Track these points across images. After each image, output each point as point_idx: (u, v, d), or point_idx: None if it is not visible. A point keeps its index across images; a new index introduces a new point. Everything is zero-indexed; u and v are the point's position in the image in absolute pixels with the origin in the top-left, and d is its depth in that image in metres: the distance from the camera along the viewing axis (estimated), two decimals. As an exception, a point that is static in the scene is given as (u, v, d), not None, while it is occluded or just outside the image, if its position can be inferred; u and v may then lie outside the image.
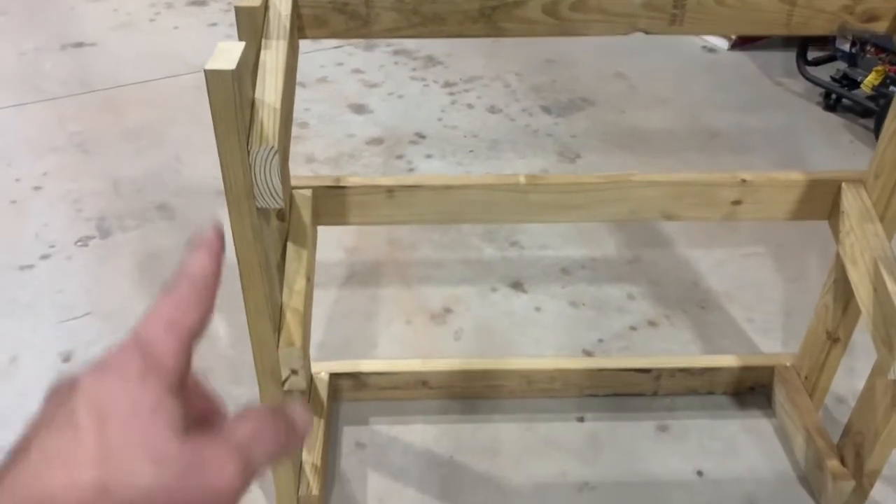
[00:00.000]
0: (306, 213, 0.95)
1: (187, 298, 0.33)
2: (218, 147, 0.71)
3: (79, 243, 1.51)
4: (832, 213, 1.01)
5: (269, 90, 0.73)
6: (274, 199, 0.74)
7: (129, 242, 1.52)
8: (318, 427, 1.09)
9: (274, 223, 0.90)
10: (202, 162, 1.69)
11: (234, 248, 0.78)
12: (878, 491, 1.07)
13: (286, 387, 0.89)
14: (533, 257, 1.51)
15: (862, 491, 1.03)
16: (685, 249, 1.52)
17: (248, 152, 0.71)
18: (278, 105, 0.72)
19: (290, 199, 0.96)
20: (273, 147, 0.71)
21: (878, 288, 0.91)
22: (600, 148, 1.82)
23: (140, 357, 0.30)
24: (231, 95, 0.67)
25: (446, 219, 1.00)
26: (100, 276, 1.44)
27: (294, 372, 0.88)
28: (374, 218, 1.00)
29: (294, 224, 0.94)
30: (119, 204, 1.62)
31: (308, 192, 0.97)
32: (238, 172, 0.72)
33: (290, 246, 0.93)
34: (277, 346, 0.86)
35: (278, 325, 0.87)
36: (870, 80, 1.83)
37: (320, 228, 1.54)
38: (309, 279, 0.92)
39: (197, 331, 0.33)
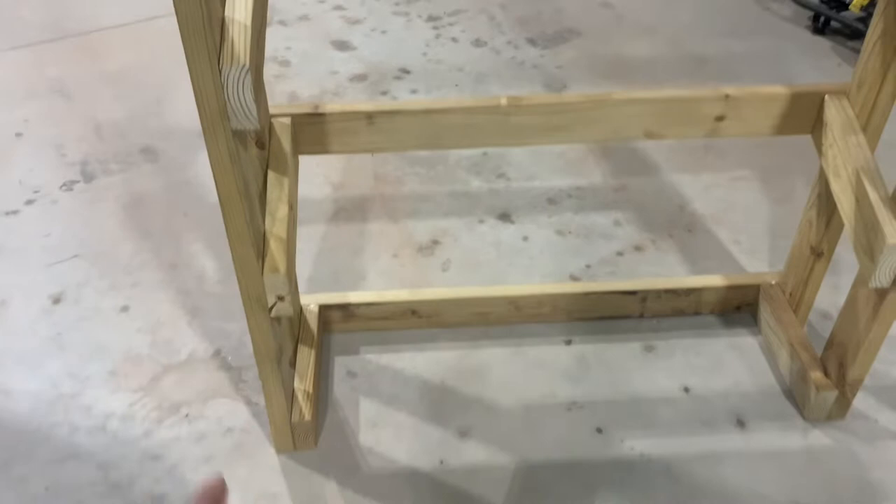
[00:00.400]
0: (286, 142, 0.94)
1: None
2: (189, 68, 0.70)
3: (63, 188, 1.50)
4: (815, 126, 1.00)
5: (238, 7, 0.72)
6: (248, 119, 0.73)
7: (114, 186, 1.51)
8: (309, 357, 1.10)
9: (253, 151, 0.89)
10: (184, 104, 1.67)
11: (212, 174, 0.78)
12: (860, 400, 1.09)
13: (273, 313, 0.90)
14: (520, 188, 1.50)
15: (845, 400, 1.06)
16: (672, 175, 1.52)
17: (220, 72, 0.70)
18: (249, 22, 0.71)
19: (270, 128, 0.95)
20: (245, 65, 0.70)
21: (860, 198, 0.91)
22: (587, 78, 1.80)
23: None
24: (199, 12, 0.66)
25: (428, 144, 1.00)
26: (86, 219, 1.43)
27: (280, 298, 0.89)
28: (355, 146, 0.99)
29: (274, 152, 0.94)
30: (102, 148, 1.61)
31: (287, 121, 0.96)
32: (210, 93, 0.71)
33: (271, 174, 0.92)
34: (262, 273, 0.87)
35: (262, 253, 0.87)
36: (858, 1, 1.80)
37: (307, 166, 1.54)
38: (291, 207, 0.92)
39: None
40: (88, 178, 1.53)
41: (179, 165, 1.55)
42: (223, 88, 0.71)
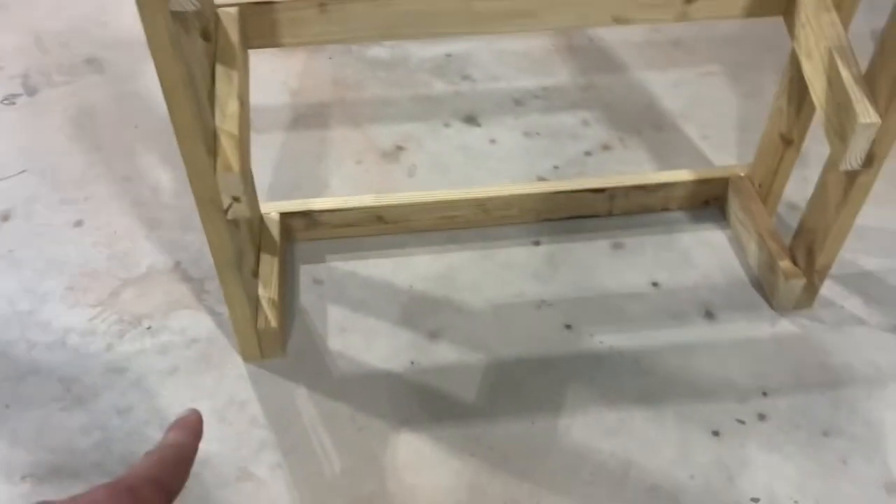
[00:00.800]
0: (233, 33, 0.89)
1: (171, 464, 0.39)
2: (118, -58, 0.64)
3: (5, 102, 1.42)
4: (788, 6, 0.97)
5: None
6: (188, -1, 0.68)
7: (59, 98, 1.44)
8: (272, 265, 1.07)
9: (199, 43, 0.84)
10: (129, 12, 1.57)
11: (154, 63, 0.73)
12: (827, 288, 1.10)
13: (229, 215, 0.86)
14: (485, 90, 1.46)
15: (812, 288, 1.06)
16: (639, 72, 1.48)
17: (153, -55, 0.64)
18: None
19: (216, 19, 0.89)
20: (179, -64, 0.64)
21: (832, 78, 0.89)
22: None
23: (131, 500, 0.35)
24: None
25: (385, 34, 0.95)
26: (31, 133, 1.37)
27: (236, 199, 0.85)
28: (307, 37, 0.94)
29: (221, 45, 0.88)
30: (44, 60, 1.52)
31: (234, 10, 0.90)
32: (144, -31, 0.66)
33: (219, 68, 0.87)
34: (215, 173, 0.83)
35: (213, 151, 0.83)
36: None
37: (262, 72, 1.47)
38: (243, 103, 0.87)
39: (175, 493, 0.38)
40: (31, 91, 1.45)
41: (127, 76, 1.48)
42: (157, -35, 0.66)
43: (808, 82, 0.94)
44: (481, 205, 1.19)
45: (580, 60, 1.51)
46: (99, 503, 0.34)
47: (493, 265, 1.15)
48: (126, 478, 0.37)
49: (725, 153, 1.32)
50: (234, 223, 0.92)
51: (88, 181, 1.28)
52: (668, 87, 1.45)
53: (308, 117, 1.40)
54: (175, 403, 0.99)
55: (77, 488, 0.91)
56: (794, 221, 1.17)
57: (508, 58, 1.52)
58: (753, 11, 0.98)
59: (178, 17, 0.72)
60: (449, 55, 1.52)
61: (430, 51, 1.53)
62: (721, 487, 0.91)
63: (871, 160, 0.89)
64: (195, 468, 0.90)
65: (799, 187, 1.25)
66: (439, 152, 1.34)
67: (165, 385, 1.01)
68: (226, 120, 0.84)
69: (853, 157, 0.88)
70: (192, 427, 0.42)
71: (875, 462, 0.93)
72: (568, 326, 1.07)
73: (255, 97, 1.41)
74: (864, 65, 0.88)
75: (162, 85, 0.73)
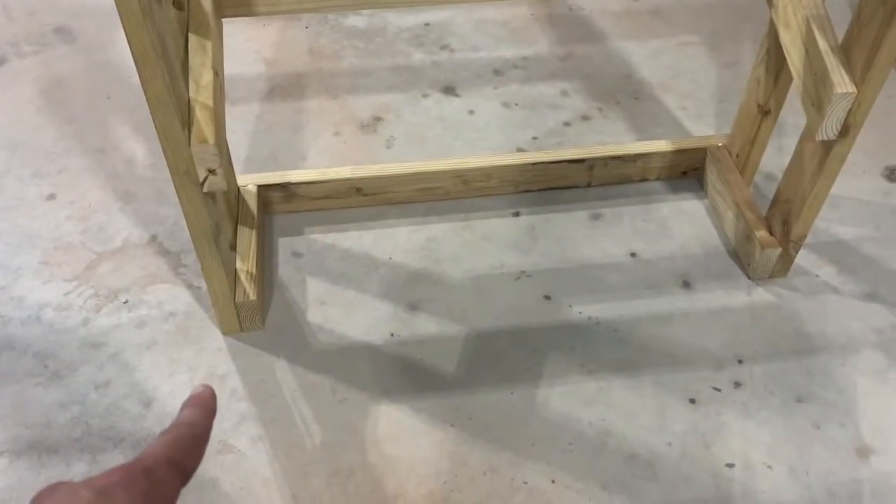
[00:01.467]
0: (206, 2, 0.87)
1: (186, 443, 0.39)
2: None
3: (-29, 73, 1.39)
4: (765, -25, 0.96)
5: None
6: (158, -34, 0.66)
7: (29, 69, 1.41)
8: (250, 238, 1.06)
9: (172, 13, 0.82)
10: (98, -22, 1.54)
11: (125, 32, 0.71)
12: (802, 257, 1.11)
13: (205, 188, 0.85)
14: (464, 60, 1.44)
15: (788, 257, 1.07)
16: (619, 42, 1.47)
17: None
18: None
19: (187, -13, 0.87)
20: None
21: (810, 48, 0.89)
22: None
23: (147, 482, 0.35)
24: None
25: (362, 3, 0.93)
26: (1, 105, 1.34)
27: (212, 171, 0.84)
28: (283, 5, 0.92)
29: (194, 14, 0.86)
30: (12, 29, 1.48)
31: (206, -22, 0.88)
32: (112, -65, 0.64)
33: (192, 38, 0.85)
34: (189, 145, 0.81)
35: (188, 122, 0.82)
36: None
37: (236, 41, 1.45)
38: (217, 73, 0.86)
39: (191, 473, 0.39)
40: (-1, 61, 1.42)
41: (98, 45, 1.44)
42: (126, -70, 0.64)
43: (785, 52, 0.94)
44: (460, 176, 1.18)
45: (559, 30, 1.50)
46: (115, 485, 0.34)
47: (472, 236, 1.15)
48: (141, 459, 0.37)
49: (703, 123, 1.32)
50: (211, 196, 0.91)
51: (60, 154, 1.26)
52: (646, 56, 1.45)
53: (284, 88, 1.38)
54: (153, 377, 0.98)
55: (55, 463, 0.91)
56: (770, 191, 1.18)
57: (487, 27, 1.50)
58: (732, -20, 0.97)
59: (149, -16, 0.70)
60: (427, 24, 1.50)
61: (408, 20, 1.51)
62: (697, 454, 0.92)
63: (846, 130, 0.90)
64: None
65: (775, 157, 1.26)
66: (417, 123, 1.33)
67: (143, 359, 1.00)
68: (200, 91, 0.82)
69: (829, 127, 0.89)
70: (205, 404, 0.42)
71: (847, 427, 0.95)
72: (547, 297, 1.08)
73: (230, 67, 1.39)
74: (841, 33, 0.89)
75: (133, 56, 0.72)
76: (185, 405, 0.41)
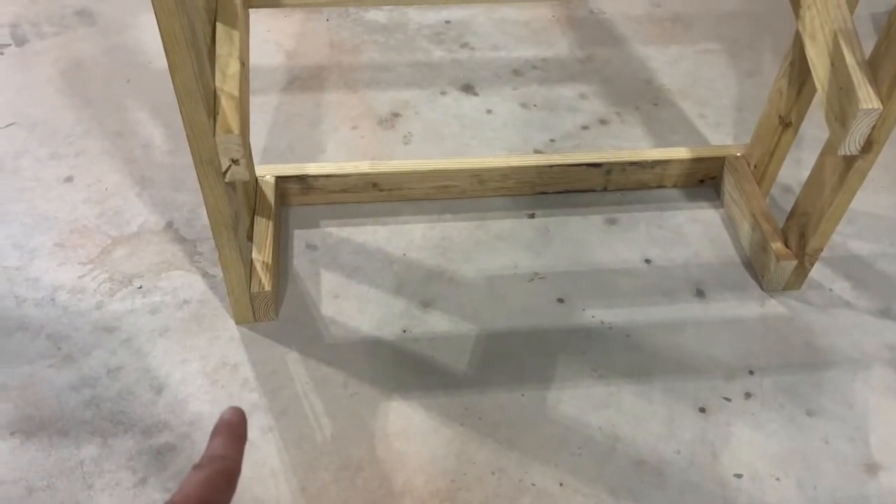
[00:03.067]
0: (235, -9, 0.87)
1: (219, 482, 0.38)
2: None
3: (-8, 52, 1.39)
4: (794, -13, 0.96)
5: None
6: (194, -45, 0.66)
7: (49, 50, 1.41)
8: (266, 228, 1.07)
9: (201, 1, 0.82)
10: (121, -39, 1.54)
11: (156, 19, 0.71)
12: (816, 271, 1.11)
13: (227, 178, 0.85)
14: (484, 59, 1.44)
15: (803, 270, 1.07)
16: (639, 47, 1.47)
17: None
18: None
19: (217, -24, 0.87)
20: None
21: (836, 62, 0.89)
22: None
23: None
24: None
25: (389, -2, 0.93)
26: (20, 85, 1.34)
27: (235, 162, 0.84)
28: (311, -2, 0.92)
29: (223, 4, 0.86)
30: (34, 9, 1.49)
31: (236, -32, 0.88)
32: (150, -78, 0.64)
33: (219, 27, 0.85)
34: (214, 134, 0.81)
35: (213, 112, 0.82)
36: None
37: (257, 32, 1.45)
38: (243, 64, 0.86)
39: None
40: (20, 41, 1.42)
41: (119, 28, 1.45)
42: (163, -82, 0.64)
43: (810, 64, 0.94)
44: (477, 175, 1.18)
45: (580, 32, 1.49)
46: None
47: (487, 236, 1.15)
48: (177, 501, 0.36)
49: (722, 131, 1.32)
50: (232, 185, 0.91)
51: (79, 136, 1.26)
52: (666, 63, 1.44)
53: (304, 80, 1.38)
54: (166, 364, 0.98)
55: (66, 445, 0.92)
56: (787, 203, 1.18)
57: (508, 27, 1.50)
58: (760, -9, 0.97)
59: (182, -28, 0.70)
60: (448, 22, 1.50)
61: (429, 17, 1.51)
62: (705, 463, 0.92)
63: (869, 146, 0.90)
64: (185, 429, 0.90)
65: (794, 169, 1.25)
66: (435, 120, 1.33)
67: (156, 345, 1.00)
68: (226, 80, 0.83)
69: (852, 143, 0.88)
70: (236, 433, 0.41)
71: (856, 443, 0.95)
72: (560, 300, 1.08)
73: (251, 58, 1.39)
74: (864, 48, 0.88)
75: (164, 42, 0.72)
76: (216, 433, 0.40)
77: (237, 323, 1.03)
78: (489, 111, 1.35)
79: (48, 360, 0.99)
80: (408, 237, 1.15)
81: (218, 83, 0.83)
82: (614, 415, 0.96)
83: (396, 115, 1.33)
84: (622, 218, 1.18)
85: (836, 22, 0.89)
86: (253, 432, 0.93)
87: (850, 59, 0.87)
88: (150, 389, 0.96)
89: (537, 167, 1.18)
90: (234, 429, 0.41)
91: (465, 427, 0.94)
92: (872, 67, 0.88)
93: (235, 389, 0.96)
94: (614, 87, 1.39)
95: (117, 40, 1.42)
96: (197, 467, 0.38)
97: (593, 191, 1.22)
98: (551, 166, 1.18)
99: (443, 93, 1.38)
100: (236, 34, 0.85)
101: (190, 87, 0.76)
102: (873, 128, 0.88)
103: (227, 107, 0.82)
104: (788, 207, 1.09)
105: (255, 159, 1.23)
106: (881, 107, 0.85)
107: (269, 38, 1.45)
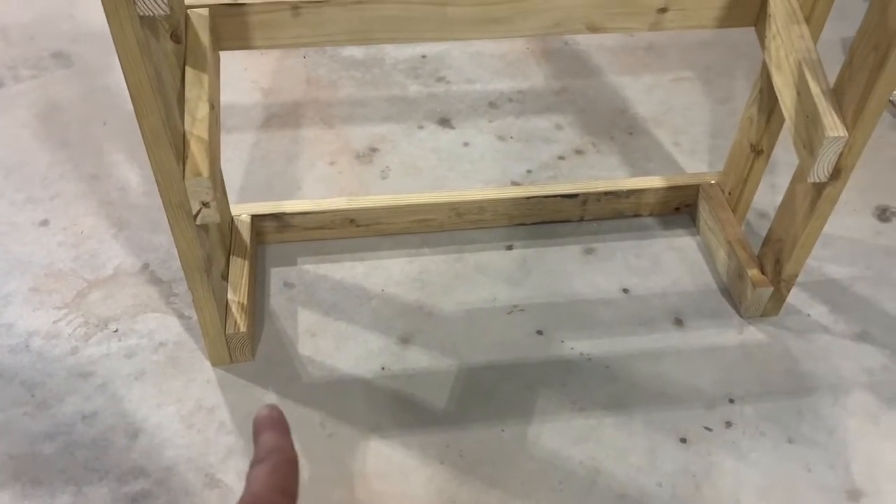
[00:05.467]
0: (204, 35, 0.87)
1: (286, 469, 0.38)
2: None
3: (-32, 96, 1.39)
4: (759, 17, 0.98)
5: None
6: (157, 4, 0.66)
7: (26, 93, 1.41)
8: (242, 268, 1.06)
9: (168, 45, 0.83)
10: (98, 4, 1.55)
11: (121, 67, 0.71)
12: (793, 296, 1.11)
13: (199, 220, 0.85)
14: (460, 92, 1.45)
15: (779, 296, 1.07)
16: (613, 77, 1.49)
17: (120, -52, 0.63)
18: None
19: (186, 20, 0.87)
20: (147, -60, 0.63)
21: (801, 90, 0.90)
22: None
23: None
24: None
25: (359, 38, 0.94)
26: (-5, 129, 1.34)
27: (205, 204, 0.84)
28: (280, 40, 0.93)
29: (192, 47, 0.87)
30: (10, 53, 1.49)
31: (205, 12, 0.88)
32: (111, -27, 0.64)
33: (189, 71, 0.86)
34: (184, 178, 0.81)
35: (183, 155, 0.82)
36: None
37: (234, 70, 1.46)
38: (213, 106, 0.86)
39: (297, 497, 0.39)
40: (-4, 85, 1.42)
41: (95, 71, 1.45)
42: (125, -32, 0.64)
43: (777, 93, 0.95)
44: (454, 208, 1.18)
45: (554, 64, 1.51)
46: None
47: (465, 269, 1.15)
48: (255, 493, 0.37)
49: (696, 159, 1.33)
50: (204, 228, 0.91)
51: (55, 179, 1.26)
52: (640, 91, 1.46)
53: (280, 117, 1.39)
54: (141, 408, 0.97)
55: (39, 495, 0.90)
56: (762, 229, 1.19)
57: (483, 60, 1.51)
58: (725, 22, 0.98)
59: (148, 21, 0.71)
60: (424, 56, 1.51)
61: (405, 52, 1.52)
62: (688, 495, 0.92)
63: (838, 173, 0.91)
64: (161, 475, 0.89)
65: (768, 194, 1.26)
66: (413, 154, 1.33)
67: (132, 390, 0.99)
68: (196, 124, 0.83)
69: (821, 170, 0.89)
70: (281, 425, 0.41)
71: (838, 469, 0.94)
72: (539, 332, 1.07)
73: (227, 95, 1.40)
74: (834, 72, 0.89)
75: (130, 91, 0.72)
76: (261, 429, 0.40)
77: (213, 365, 1.02)
78: (466, 144, 1.35)
79: (22, 408, 0.97)
80: (386, 272, 1.15)
81: (187, 126, 0.83)
82: (595, 448, 0.95)
83: (374, 149, 1.34)
84: (599, 248, 1.19)
85: (800, 52, 0.90)
86: (230, 476, 0.92)
87: (815, 88, 0.88)
88: (125, 435, 0.95)
89: (514, 199, 1.19)
90: (276, 422, 0.41)
91: (445, 465, 0.93)
92: (837, 95, 0.89)
93: (212, 433, 0.95)
94: (589, 117, 1.40)
95: (94, 83, 1.43)
96: (257, 462, 0.39)
97: (570, 221, 1.22)
98: (528, 198, 1.19)
99: (420, 127, 1.38)
100: (206, 77, 0.86)
101: (158, 132, 0.76)
102: (840, 155, 0.88)
103: (197, 150, 0.82)
104: (764, 233, 1.09)
105: (232, 197, 1.23)
106: (847, 134, 0.86)
107: (246, 76, 1.46)
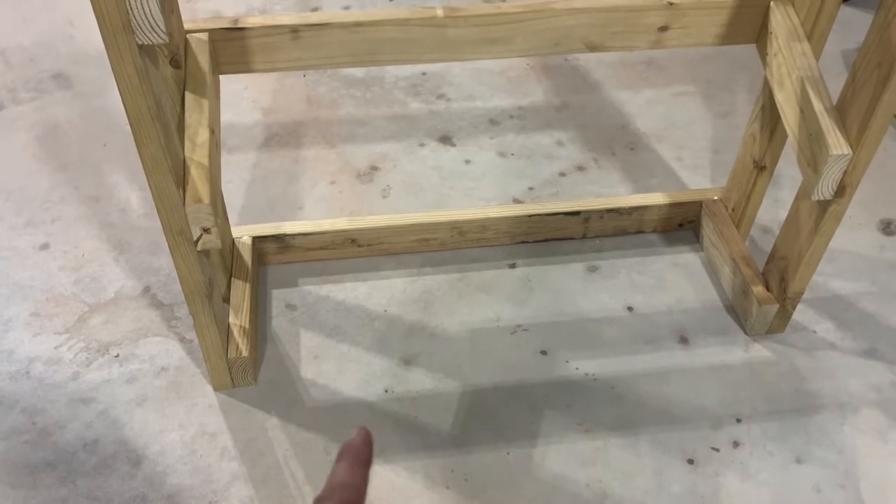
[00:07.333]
0: (204, 60, 0.87)
1: None
2: (83, -26, 0.62)
3: (-32, 119, 1.39)
4: (760, 34, 0.97)
5: None
6: (156, 32, 0.66)
7: (25, 115, 1.41)
8: (243, 291, 1.06)
9: (168, 71, 0.82)
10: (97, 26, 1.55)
11: (120, 96, 0.71)
12: (799, 312, 1.11)
13: (199, 246, 0.84)
14: (461, 109, 1.45)
15: (785, 313, 1.06)
16: (613, 92, 1.48)
17: (119, -22, 0.63)
18: (147, -79, 0.64)
19: (186, 45, 0.87)
20: (146, -30, 0.62)
21: (805, 108, 0.89)
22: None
23: None
24: None
25: (359, 60, 0.94)
26: (-5, 152, 1.33)
27: (206, 230, 0.83)
28: (280, 63, 0.92)
29: (191, 72, 0.87)
30: (10, 75, 1.49)
31: (204, 37, 0.88)
32: (110, 3, 0.64)
33: (188, 96, 0.85)
34: (184, 204, 0.81)
35: (183, 182, 0.81)
36: None
37: (234, 90, 1.46)
38: (213, 131, 0.86)
39: None
40: (-4, 107, 1.42)
41: (95, 92, 1.45)
42: (124, -2, 0.64)
43: (780, 111, 0.94)
44: (456, 227, 1.18)
45: (555, 80, 1.51)
46: None
47: (468, 288, 1.15)
48: None
49: (699, 174, 1.33)
50: (205, 253, 0.90)
51: (55, 202, 1.25)
52: (641, 106, 1.45)
53: (281, 136, 1.38)
54: (143, 435, 0.96)
55: (41, 528, 0.88)
56: (766, 244, 1.18)
57: (484, 77, 1.51)
58: (726, 40, 0.98)
59: (147, 48, 0.70)
60: (424, 74, 1.51)
61: (405, 69, 1.52)
62: (696, 517, 0.91)
63: (843, 190, 0.90)
64: (163, 503, 0.88)
65: (772, 209, 1.26)
66: (414, 172, 1.33)
67: (134, 416, 0.98)
68: (196, 150, 0.82)
69: (825, 188, 0.89)
70: (361, 457, 0.40)
71: (848, 490, 0.93)
72: (543, 352, 1.07)
73: (227, 115, 1.40)
74: (835, 85, 0.89)
75: (129, 119, 0.72)
76: (340, 456, 0.40)
77: (215, 389, 1.01)
78: (467, 161, 1.35)
79: (23, 436, 0.96)
80: (388, 292, 1.14)
81: (187, 153, 0.82)
82: (601, 470, 0.94)
83: (375, 168, 1.33)
84: (603, 265, 1.18)
85: (802, 69, 0.90)
86: (232, 503, 0.91)
87: (818, 106, 0.88)
88: (127, 462, 0.94)
89: (516, 217, 1.18)
90: (359, 453, 0.40)
91: (450, 490, 0.92)
92: (841, 113, 0.88)
93: (214, 459, 0.94)
94: (590, 133, 1.40)
95: (94, 104, 1.43)
96: (320, 500, 0.37)
97: (573, 238, 1.22)
98: (530, 216, 1.18)
99: (421, 144, 1.38)
100: (205, 102, 0.85)
101: (158, 159, 0.76)
102: (845, 172, 0.88)
103: (197, 176, 0.81)
104: (768, 248, 1.09)
105: (233, 218, 1.23)
106: (851, 152, 0.86)
107: (246, 96, 1.46)
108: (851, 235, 1.23)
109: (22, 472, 0.93)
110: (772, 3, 0.95)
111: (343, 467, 0.39)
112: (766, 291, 1.06)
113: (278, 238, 1.14)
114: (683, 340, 1.08)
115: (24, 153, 1.33)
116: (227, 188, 1.26)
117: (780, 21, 0.94)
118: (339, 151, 1.36)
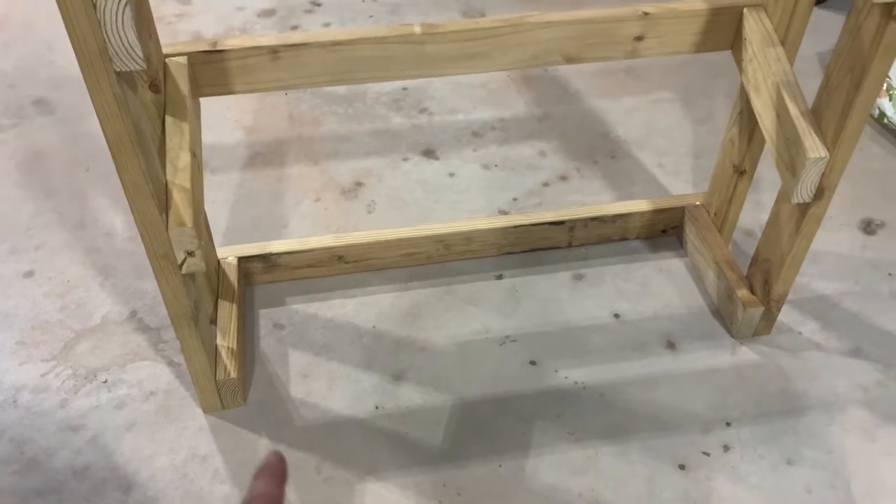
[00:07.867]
0: (183, 83, 0.87)
1: None
2: (58, 5, 0.63)
3: (-51, 148, 1.38)
4: (735, 41, 0.99)
5: (108, -67, 0.64)
6: (133, 59, 0.66)
7: (7, 142, 1.40)
8: (230, 312, 1.05)
9: (147, 96, 0.83)
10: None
11: (99, 122, 0.71)
12: (784, 314, 1.11)
13: (184, 270, 0.84)
14: (443, 123, 1.46)
15: (770, 316, 1.07)
16: (593, 101, 1.49)
17: (95, 6, 0.63)
18: (121, -50, 0.64)
19: (165, 69, 0.87)
20: (121, -2, 0.63)
21: (781, 113, 0.90)
22: (506, 4, 1.74)
23: None
24: (61, -62, 0.58)
25: (339, 79, 0.94)
26: (-23, 180, 1.33)
27: (190, 254, 0.83)
28: (260, 84, 0.93)
29: (171, 96, 0.87)
30: (-10, 102, 1.48)
31: (183, 60, 0.88)
32: (86, 31, 0.64)
33: (169, 120, 0.85)
34: (167, 228, 0.81)
35: (165, 206, 0.81)
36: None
37: (216, 110, 1.46)
38: (195, 154, 0.86)
39: None
40: (-23, 135, 1.41)
41: (77, 117, 1.45)
42: (101, 26, 0.64)
43: (757, 116, 0.95)
44: (442, 241, 1.18)
45: (536, 91, 1.52)
46: None
47: (456, 301, 1.15)
48: None
49: (680, 179, 1.34)
50: (190, 276, 0.90)
51: (39, 229, 1.25)
52: (621, 114, 1.47)
53: (264, 155, 1.38)
54: (133, 460, 0.96)
55: (31, 559, 0.87)
56: (749, 248, 1.19)
57: (465, 90, 1.52)
58: (702, 47, 0.99)
59: (125, 75, 0.71)
60: (405, 89, 1.52)
61: (386, 85, 1.53)
62: (689, 522, 0.91)
63: (821, 192, 0.91)
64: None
65: (753, 212, 1.27)
66: (398, 187, 1.33)
67: (123, 441, 0.98)
68: (177, 174, 0.82)
69: (804, 191, 0.90)
70: (277, 474, 0.42)
71: (839, 489, 0.94)
72: (532, 362, 1.07)
73: (209, 136, 1.40)
74: (811, 88, 0.90)
75: (109, 146, 0.72)
76: (257, 476, 0.41)
77: (205, 411, 1.01)
78: (451, 174, 1.36)
79: (11, 466, 0.96)
80: (376, 308, 1.14)
81: (169, 176, 0.83)
82: (594, 479, 0.95)
83: (359, 184, 1.34)
84: (588, 273, 1.19)
85: (777, 75, 0.91)
86: (226, 526, 0.90)
87: (794, 110, 0.89)
88: (118, 489, 0.94)
89: (501, 228, 1.19)
90: (274, 471, 0.42)
91: (443, 504, 0.92)
92: (816, 116, 0.89)
93: (206, 483, 0.94)
94: (572, 142, 1.41)
95: (76, 129, 1.42)
96: None
97: (558, 248, 1.22)
98: (515, 227, 1.19)
99: (404, 159, 1.38)
100: (186, 125, 0.85)
101: (139, 184, 0.76)
102: (823, 175, 0.89)
103: (179, 200, 0.81)
104: (751, 251, 1.10)
105: (218, 238, 1.22)
106: (828, 154, 0.87)
107: (229, 116, 1.46)
108: (833, 236, 1.24)
109: (11, 502, 0.92)
110: (745, 9, 0.96)
111: (260, 482, 0.41)
112: (751, 294, 1.07)
113: (264, 257, 1.14)
114: (670, 346, 1.09)
115: (7, 180, 1.33)
116: (210, 209, 1.26)
117: (754, 27, 0.95)
118: (323, 168, 1.36)
